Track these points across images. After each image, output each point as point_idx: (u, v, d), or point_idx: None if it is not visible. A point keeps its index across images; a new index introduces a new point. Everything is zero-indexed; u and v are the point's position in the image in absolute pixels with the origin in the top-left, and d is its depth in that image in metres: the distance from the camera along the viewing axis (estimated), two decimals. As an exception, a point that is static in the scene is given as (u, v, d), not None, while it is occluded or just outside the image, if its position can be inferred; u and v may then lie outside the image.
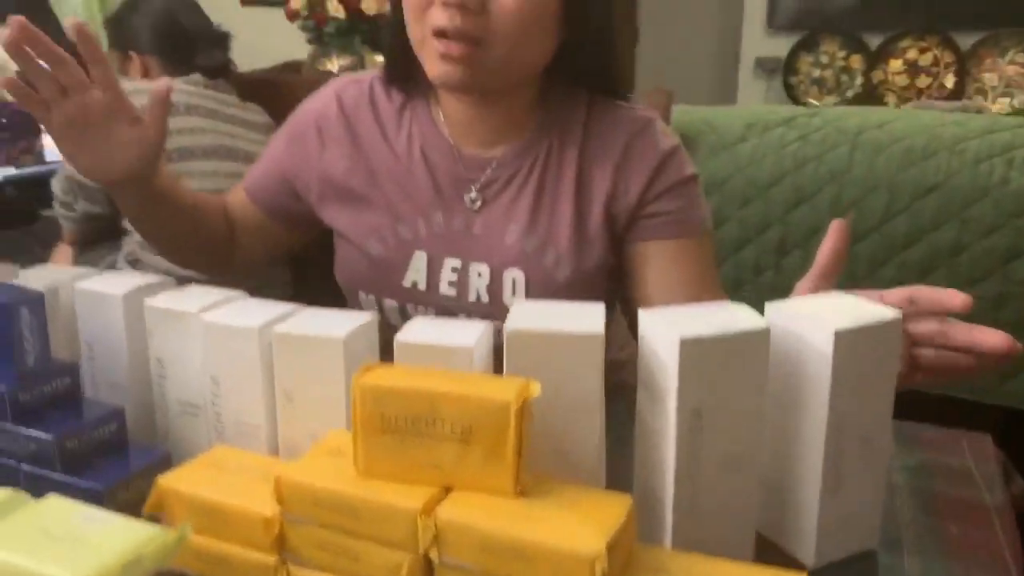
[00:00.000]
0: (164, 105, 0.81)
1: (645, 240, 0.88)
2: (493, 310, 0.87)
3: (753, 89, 4.57)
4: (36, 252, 1.88)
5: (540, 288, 0.86)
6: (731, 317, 0.58)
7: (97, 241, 1.66)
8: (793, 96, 4.38)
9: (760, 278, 1.42)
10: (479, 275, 0.88)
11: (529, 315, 0.58)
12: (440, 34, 0.77)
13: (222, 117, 1.63)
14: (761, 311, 1.45)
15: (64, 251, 1.71)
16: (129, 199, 0.88)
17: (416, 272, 0.89)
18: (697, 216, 0.89)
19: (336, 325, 0.61)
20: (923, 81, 4.17)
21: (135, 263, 1.53)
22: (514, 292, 0.86)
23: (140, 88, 1.54)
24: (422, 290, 0.89)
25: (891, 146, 1.35)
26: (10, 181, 2.00)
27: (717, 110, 1.52)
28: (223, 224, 1.00)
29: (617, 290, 0.94)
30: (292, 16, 2.05)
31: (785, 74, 4.40)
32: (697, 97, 6.43)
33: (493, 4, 0.76)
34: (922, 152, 1.32)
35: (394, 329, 0.92)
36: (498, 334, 0.86)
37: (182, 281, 1.49)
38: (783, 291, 1.41)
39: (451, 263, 0.88)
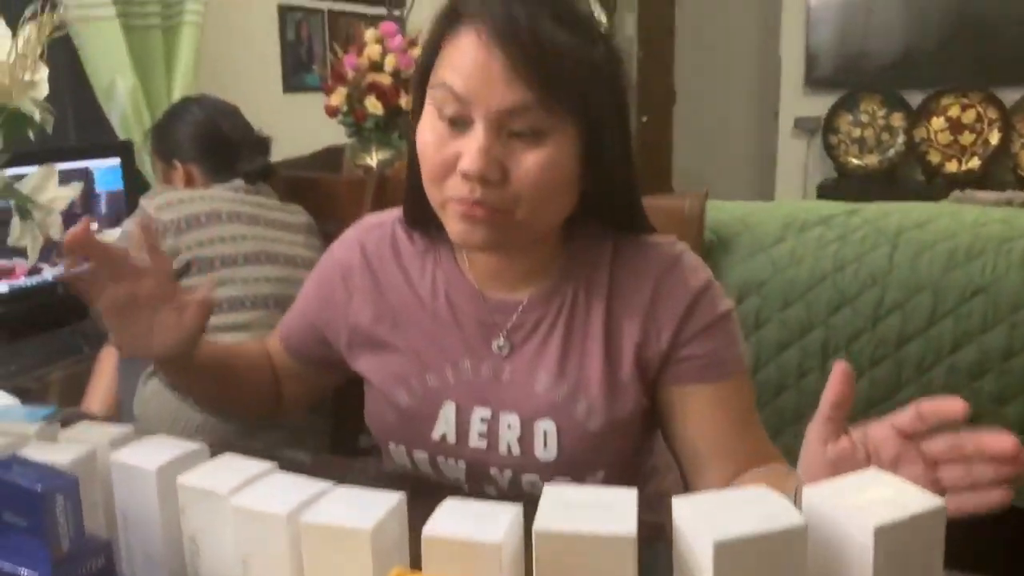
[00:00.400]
0: (207, 307, 0.84)
1: (680, 384, 0.85)
2: (525, 462, 0.85)
3: (793, 149, 4.55)
4: (84, 351, 1.92)
5: (573, 438, 0.84)
6: (767, 511, 0.56)
7: (142, 345, 1.69)
8: (834, 156, 4.35)
9: (803, 381, 1.39)
10: (509, 426, 0.85)
11: (558, 510, 0.56)
12: (459, 200, 0.76)
13: (264, 222, 1.65)
14: (805, 415, 1.41)
15: (110, 354, 1.74)
16: (167, 372, 0.90)
17: (445, 423, 0.88)
18: (733, 356, 0.86)
19: (365, 512, 0.61)
20: (967, 138, 4.12)
21: (177, 371, 1.55)
22: (546, 444, 0.84)
23: (184, 197, 1.58)
24: (452, 442, 0.88)
25: (934, 246, 1.32)
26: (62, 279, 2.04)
27: (751, 207, 1.51)
28: (268, 374, 1.01)
29: (655, 425, 0.92)
30: (332, 112, 2.09)
31: (825, 133, 4.38)
32: (736, 159, 6.43)
33: (515, 173, 0.75)
34: (966, 253, 1.30)
35: (426, 477, 0.92)
36: (532, 488, 0.85)
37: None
38: (827, 394, 1.39)
39: (480, 413, 0.87)
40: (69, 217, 2.01)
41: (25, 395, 2.04)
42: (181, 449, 0.72)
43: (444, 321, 0.89)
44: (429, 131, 0.78)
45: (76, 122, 2.38)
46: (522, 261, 0.87)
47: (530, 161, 0.75)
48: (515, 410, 0.85)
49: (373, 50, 2.02)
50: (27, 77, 0.92)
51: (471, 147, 0.74)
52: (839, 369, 0.62)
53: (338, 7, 3.16)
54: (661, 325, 0.84)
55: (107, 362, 1.74)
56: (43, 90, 0.96)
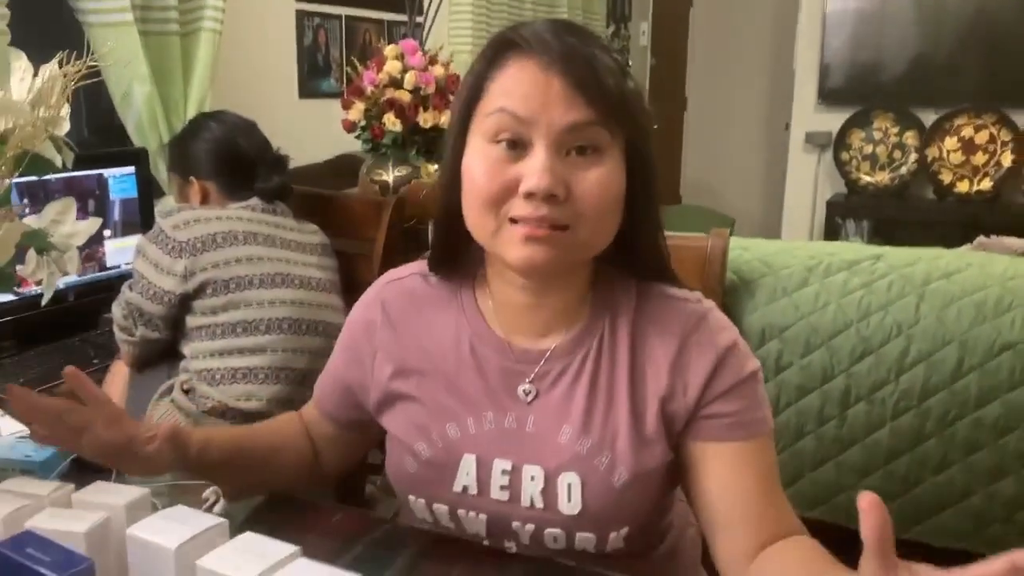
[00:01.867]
0: (172, 442, 0.85)
1: (705, 441, 0.85)
2: (548, 516, 0.85)
3: (803, 163, 4.52)
4: (94, 362, 1.90)
5: (597, 492, 0.84)
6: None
7: (154, 363, 1.67)
8: (844, 172, 4.33)
9: (823, 428, 1.38)
10: (532, 478, 0.85)
11: None
12: (523, 220, 0.78)
13: (280, 243, 1.64)
14: (824, 462, 1.39)
15: (120, 370, 1.73)
16: (191, 474, 0.91)
17: (466, 476, 0.87)
18: (759, 417, 0.85)
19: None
20: (979, 159, 4.10)
21: (190, 392, 1.54)
22: (570, 498, 0.84)
23: (200, 216, 1.57)
24: (473, 494, 0.87)
25: (961, 299, 1.31)
26: (71, 288, 2.03)
27: (774, 246, 1.49)
28: (303, 444, 1.01)
29: (676, 480, 0.91)
30: (349, 128, 2.08)
31: (836, 149, 4.36)
32: (746, 171, 6.41)
33: (577, 190, 0.78)
34: (995, 307, 1.28)
35: (446, 531, 0.91)
36: (554, 543, 0.84)
37: (242, 417, 1.49)
38: (846, 443, 1.37)
39: (502, 464, 0.86)
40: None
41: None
42: (200, 524, 0.71)
43: (467, 370, 0.89)
44: (481, 159, 0.80)
45: (91, 127, 2.36)
46: (549, 302, 0.87)
47: (592, 177, 0.78)
48: (539, 462, 0.85)
49: (393, 66, 2.01)
50: (48, 114, 0.90)
51: (534, 167, 0.77)
52: (867, 502, 0.58)
53: (356, 13, 3.14)
54: (688, 380, 0.84)
55: (117, 380, 1.73)
56: (64, 126, 0.94)
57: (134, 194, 2.14)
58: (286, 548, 0.68)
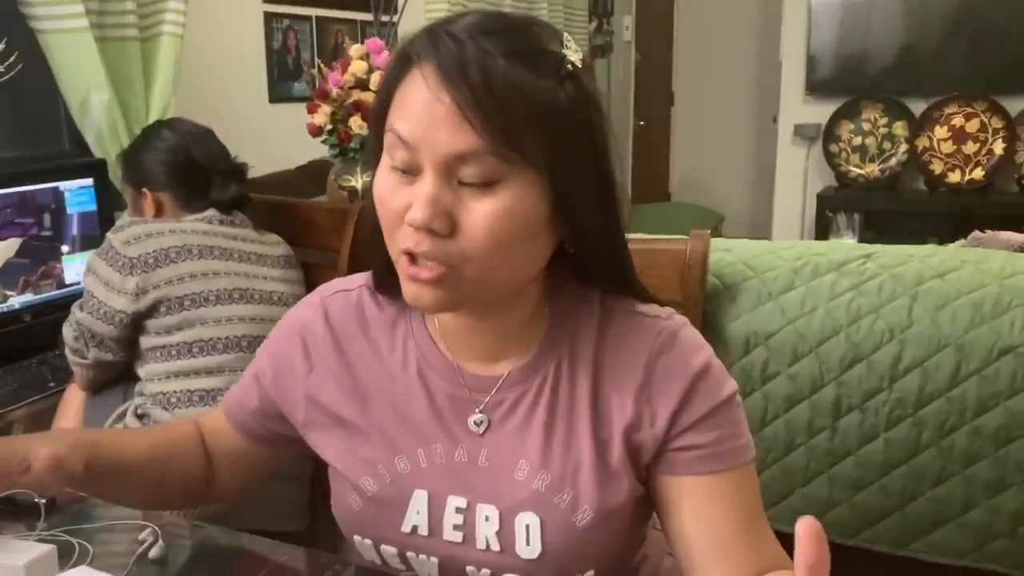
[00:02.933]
0: (53, 473, 0.78)
1: (677, 475, 0.76)
2: (504, 561, 0.77)
3: (792, 157, 4.46)
4: (50, 385, 1.82)
5: (558, 534, 0.75)
6: None
7: (110, 385, 1.59)
8: (834, 164, 4.27)
9: (813, 440, 1.30)
10: (486, 519, 0.77)
11: None
12: (410, 256, 0.70)
13: (237, 256, 1.56)
14: (815, 475, 1.31)
15: (75, 393, 1.65)
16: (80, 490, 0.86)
17: (416, 515, 0.79)
18: (737, 446, 0.77)
19: None
20: (970, 148, 4.03)
21: (144, 418, 1.45)
22: (528, 541, 0.76)
23: (152, 231, 1.48)
24: (424, 535, 0.79)
25: (956, 299, 1.23)
26: (28, 308, 1.95)
27: (758, 247, 1.41)
28: (195, 462, 0.93)
29: (649, 513, 0.83)
30: (315, 132, 1.99)
31: (825, 141, 4.29)
32: (735, 166, 6.37)
33: (464, 225, 0.68)
34: (993, 308, 1.20)
35: (396, 572, 0.83)
36: None
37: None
38: (839, 455, 1.30)
39: (455, 502, 0.78)
40: (35, 243, 1.89)
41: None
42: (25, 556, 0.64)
43: (415, 398, 0.81)
44: (384, 180, 0.72)
45: (72, 139, 2.27)
46: (495, 326, 0.78)
47: (481, 211, 0.68)
48: (492, 501, 0.77)
49: (358, 67, 1.92)
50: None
51: (418, 196, 0.68)
52: (805, 528, 0.53)
53: (326, 13, 3.05)
54: (656, 407, 0.75)
55: (71, 404, 1.64)
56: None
57: (93, 207, 2.05)
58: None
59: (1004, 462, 1.19)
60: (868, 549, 1.29)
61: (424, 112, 0.68)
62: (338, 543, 1.39)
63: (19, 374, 1.87)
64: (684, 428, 0.75)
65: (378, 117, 0.74)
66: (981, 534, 1.22)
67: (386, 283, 0.83)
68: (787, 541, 1.34)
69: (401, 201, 0.69)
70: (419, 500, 0.79)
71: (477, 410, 0.79)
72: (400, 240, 0.70)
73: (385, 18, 2.22)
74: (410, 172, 0.69)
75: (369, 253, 0.82)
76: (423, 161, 0.68)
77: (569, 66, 0.70)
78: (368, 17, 2.47)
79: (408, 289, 0.72)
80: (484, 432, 0.79)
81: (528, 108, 0.67)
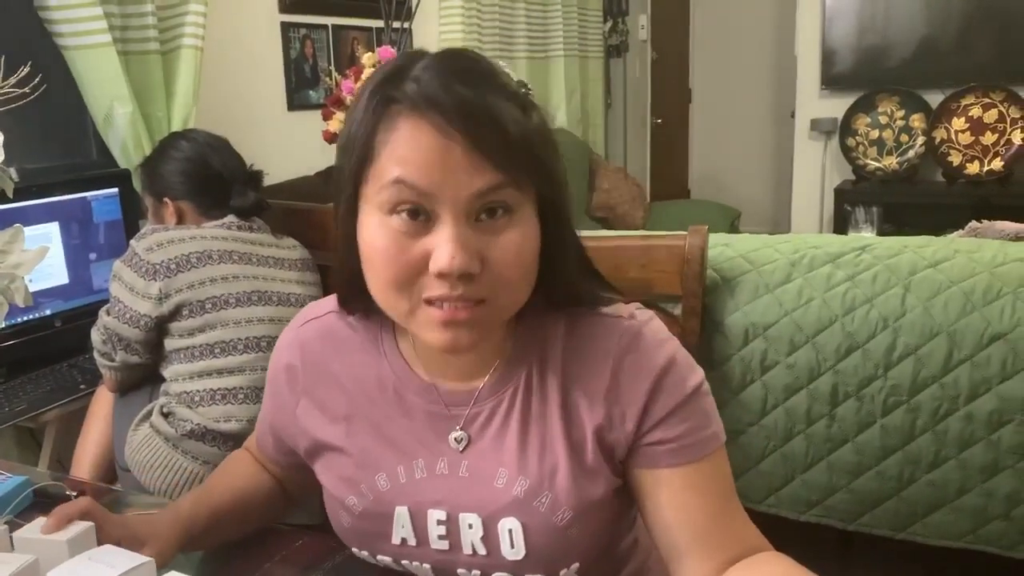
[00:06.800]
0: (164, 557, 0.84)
1: (651, 469, 0.79)
2: (492, 562, 0.80)
3: (810, 151, 4.46)
4: (81, 388, 1.89)
5: (540, 535, 0.79)
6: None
7: (137, 386, 1.66)
8: (851, 158, 4.26)
9: (812, 428, 1.33)
10: (470, 526, 0.80)
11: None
12: (438, 301, 0.70)
13: (256, 260, 1.62)
14: (814, 463, 1.35)
15: (104, 396, 1.72)
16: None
17: (402, 528, 0.82)
18: (707, 436, 0.79)
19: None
20: (988, 138, 4.01)
21: (169, 416, 1.52)
22: (512, 544, 0.79)
23: (173, 237, 1.55)
24: (413, 545, 0.83)
25: (948, 288, 1.25)
26: (59, 314, 2.02)
27: (756, 241, 1.45)
28: (266, 481, 1.00)
29: (632, 503, 0.86)
30: (330, 139, 2.05)
31: (842, 135, 4.29)
32: (753, 161, 6.35)
33: (492, 258, 0.70)
34: (983, 296, 1.23)
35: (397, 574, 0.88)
36: None
37: (222, 439, 1.47)
38: (837, 442, 1.33)
39: (436, 515, 0.81)
40: (69, 251, 1.96)
41: (23, 435, 2.02)
42: (124, 565, 0.69)
43: (395, 416, 0.83)
44: (382, 235, 0.71)
45: (99, 149, 2.35)
46: (474, 349, 0.80)
47: (506, 242, 0.71)
48: (475, 510, 0.80)
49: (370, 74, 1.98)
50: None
51: (443, 242, 0.68)
52: None
53: (343, 22, 3.12)
54: (625, 407, 0.78)
55: (101, 405, 1.71)
56: (-1, 155, 0.93)
57: (119, 216, 2.13)
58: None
59: (997, 446, 1.22)
60: (868, 533, 1.32)
61: (437, 158, 0.68)
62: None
63: (51, 377, 1.95)
64: (653, 425, 0.78)
65: (357, 171, 0.72)
66: (977, 516, 1.25)
67: (357, 308, 0.84)
68: (789, 526, 1.38)
69: (416, 252, 0.70)
70: (401, 515, 0.82)
71: (457, 427, 0.81)
72: (423, 290, 0.71)
73: (397, 24, 2.27)
74: (421, 215, 0.69)
75: (337, 283, 0.83)
76: (440, 207, 0.69)
77: (526, 94, 0.75)
78: (383, 24, 2.53)
79: (440, 336, 0.72)
80: (465, 448, 0.81)
81: (524, 138, 0.70)
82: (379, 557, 0.85)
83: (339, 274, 0.81)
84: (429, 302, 0.71)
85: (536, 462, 0.79)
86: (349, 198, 0.74)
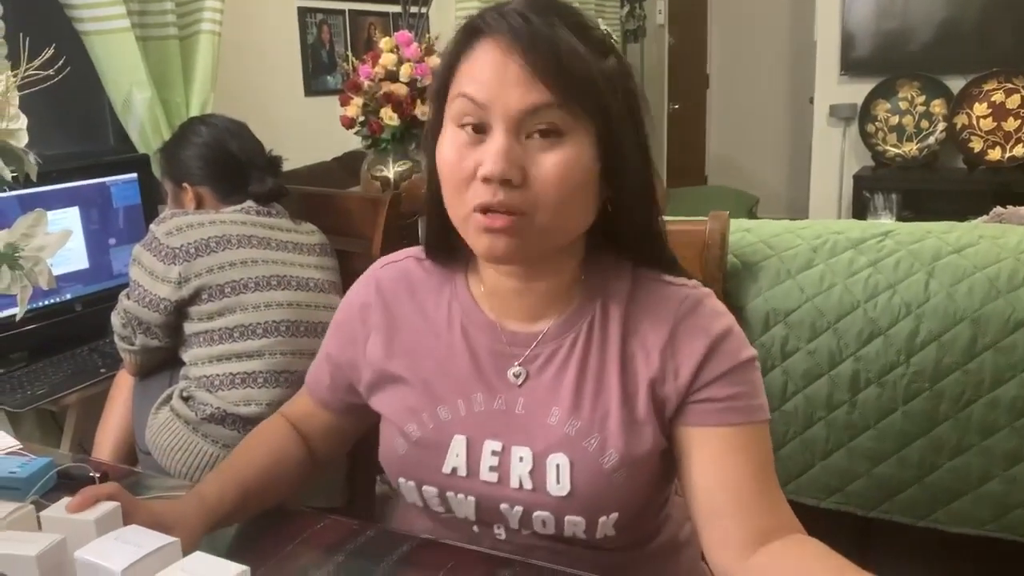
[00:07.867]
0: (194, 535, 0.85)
1: (698, 426, 0.82)
2: (536, 498, 0.83)
3: (829, 137, 4.42)
4: (101, 372, 1.91)
5: (586, 474, 0.82)
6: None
7: (157, 369, 1.67)
8: (871, 144, 4.22)
9: (833, 414, 1.33)
10: (520, 459, 0.84)
11: None
12: (483, 209, 0.77)
13: (275, 244, 1.62)
14: (834, 449, 1.34)
15: (125, 379, 1.73)
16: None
17: (456, 457, 0.87)
18: (754, 405, 0.83)
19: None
20: (1011, 124, 3.97)
21: (189, 400, 1.53)
22: (558, 479, 0.82)
23: (193, 222, 1.55)
24: (463, 476, 0.86)
25: (973, 274, 1.24)
26: (80, 298, 2.04)
27: (778, 227, 1.44)
28: (297, 450, 1.01)
29: (672, 473, 0.89)
30: (348, 124, 2.05)
31: (861, 121, 4.25)
32: (771, 148, 6.30)
33: (535, 175, 0.76)
34: (1008, 281, 1.22)
35: (435, 516, 0.90)
36: (543, 527, 0.83)
37: (241, 423, 1.48)
38: (858, 428, 1.32)
39: (491, 446, 0.85)
40: (89, 236, 1.97)
41: (44, 419, 2.04)
42: (150, 545, 0.69)
43: (458, 353, 0.89)
44: (449, 145, 0.79)
45: (117, 135, 2.37)
46: (539, 286, 0.86)
47: (549, 161, 0.76)
48: (527, 444, 0.84)
49: (388, 59, 1.97)
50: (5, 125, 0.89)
51: (491, 151, 0.76)
52: None
53: (359, 7, 3.11)
54: (679, 363, 0.82)
55: (121, 389, 1.73)
56: (23, 138, 0.93)
57: (138, 201, 2.14)
58: (234, 568, 0.66)
59: (1021, 433, 1.21)
60: (888, 521, 1.32)
61: (496, 74, 0.76)
62: (377, 518, 1.45)
63: (72, 361, 1.97)
64: (705, 383, 0.82)
65: (439, 92, 0.82)
66: (999, 504, 1.24)
67: (440, 247, 0.91)
68: (809, 513, 1.38)
69: (470, 161, 0.77)
70: (458, 444, 0.86)
71: (516, 363, 0.87)
72: (472, 197, 0.77)
73: (414, 9, 2.27)
74: (480, 132, 0.77)
75: (426, 219, 0.90)
76: (493, 120, 0.76)
77: (611, 42, 0.81)
78: (399, 9, 2.52)
79: (482, 242, 0.79)
80: (522, 383, 0.86)
81: (585, 71, 0.76)
82: (425, 488, 0.88)
83: (427, 210, 0.89)
84: (477, 210, 0.77)
85: (589, 407, 0.83)
86: (434, 121, 0.83)
